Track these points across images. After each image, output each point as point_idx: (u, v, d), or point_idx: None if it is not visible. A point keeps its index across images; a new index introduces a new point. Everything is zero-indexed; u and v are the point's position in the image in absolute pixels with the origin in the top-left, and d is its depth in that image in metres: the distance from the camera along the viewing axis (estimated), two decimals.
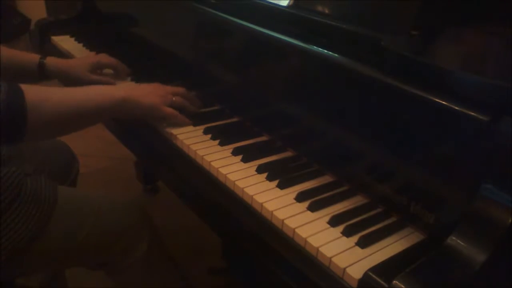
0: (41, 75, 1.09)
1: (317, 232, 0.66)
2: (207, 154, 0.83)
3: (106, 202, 0.94)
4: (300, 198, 0.72)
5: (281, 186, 0.75)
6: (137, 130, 0.96)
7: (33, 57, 1.09)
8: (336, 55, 0.73)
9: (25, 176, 0.81)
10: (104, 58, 1.16)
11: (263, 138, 0.91)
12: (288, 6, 0.87)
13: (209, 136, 0.89)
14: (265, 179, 0.77)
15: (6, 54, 1.03)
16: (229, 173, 0.78)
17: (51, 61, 1.10)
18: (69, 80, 1.12)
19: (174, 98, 0.92)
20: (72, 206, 0.88)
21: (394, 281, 0.52)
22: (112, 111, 0.87)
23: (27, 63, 1.08)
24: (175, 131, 0.90)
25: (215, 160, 0.81)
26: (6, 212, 0.76)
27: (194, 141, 0.87)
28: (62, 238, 0.85)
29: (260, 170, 0.79)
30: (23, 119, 0.72)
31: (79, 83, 1.11)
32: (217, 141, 0.87)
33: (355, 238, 0.65)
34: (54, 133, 0.89)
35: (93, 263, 0.96)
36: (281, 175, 0.77)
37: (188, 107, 0.95)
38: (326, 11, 0.84)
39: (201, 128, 0.92)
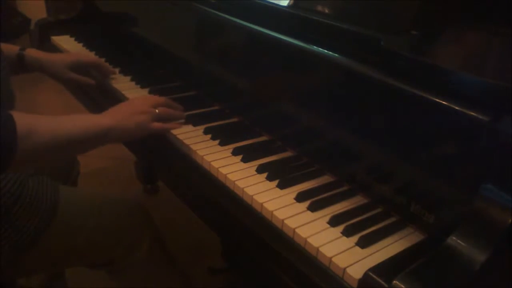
0: (21, 67, 1.07)
1: (317, 232, 0.66)
2: (207, 154, 0.83)
3: (107, 202, 0.94)
4: (300, 198, 0.72)
5: (281, 186, 0.75)
6: None
7: (12, 48, 1.07)
8: (336, 55, 0.73)
9: (27, 176, 0.81)
10: (84, 57, 1.15)
11: (263, 138, 0.91)
12: (288, 6, 0.87)
13: (209, 136, 0.89)
14: (265, 179, 0.77)
15: None
16: (229, 173, 0.78)
17: (31, 53, 1.08)
18: (48, 74, 1.10)
19: (157, 111, 0.89)
20: (73, 206, 0.88)
21: (394, 281, 0.52)
22: (100, 140, 0.83)
23: (7, 55, 1.06)
24: (175, 131, 0.90)
25: (215, 160, 0.81)
26: (8, 213, 0.76)
27: (194, 141, 0.87)
28: (63, 237, 0.85)
29: (260, 170, 0.79)
30: (13, 149, 0.69)
31: (56, 78, 1.10)
32: (217, 141, 0.87)
33: (355, 238, 0.64)
34: (42, 161, 0.87)
35: (95, 263, 0.96)
36: (281, 175, 0.77)
37: (174, 115, 0.93)
38: (326, 11, 0.84)
39: (201, 128, 0.92)
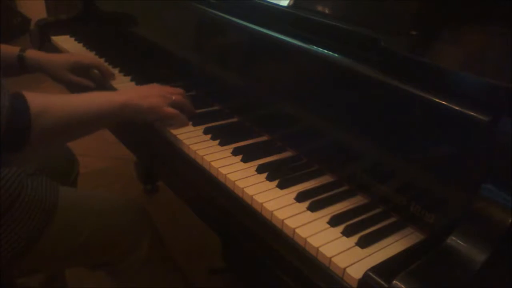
0: (22, 68, 1.08)
1: (317, 232, 0.66)
2: (207, 154, 0.83)
3: (107, 202, 0.94)
4: (300, 198, 0.72)
5: (281, 186, 0.75)
6: (137, 131, 0.96)
7: (13, 50, 1.07)
8: (336, 55, 0.73)
9: (26, 176, 0.81)
10: (85, 58, 1.16)
11: (263, 138, 0.91)
12: (288, 6, 0.87)
13: (209, 136, 0.89)
14: (265, 179, 0.77)
15: None
16: (229, 173, 0.78)
17: (31, 54, 1.08)
18: (48, 75, 1.11)
19: (174, 97, 0.92)
20: (73, 207, 0.88)
21: (394, 281, 0.52)
22: (114, 116, 0.86)
23: (7, 56, 1.06)
24: (175, 131, 0.90)
25: (215, 160, 0.81)
26: (7, 213, 0.76)
27: (194, 141, 0.87)
28: (63, 238, 0.85)
29: (260, 170, 0.79)
30: (27, 129, 0.71)
31: (57, 79, 1.11)
32: (217, 141, 0.87)
33: (355, 238, 0.64)
34: (56, 140, 0.88)
35: (94, 263, 0.96)
36: (281, 175, 0.77)
37: (187, 107, 0.95)
38: (326, 11, 0.84)
39: (201, 128, 0.92)
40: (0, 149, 0.71)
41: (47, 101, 0.75)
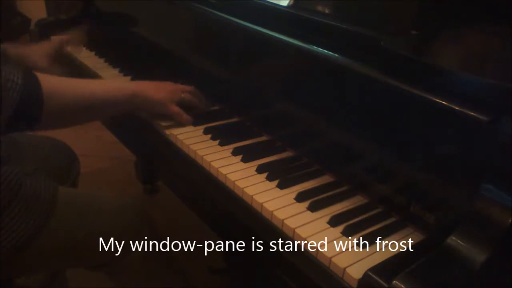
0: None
1: (317, 232, 0.66)
2: (207, 154, 0.83)
3: (106, 202, 0.94)
4: (300, 198, 0.72)
5: (281, 186, 0.75)
6: (138, 130, 0.96)
7: None
8: (336, 55, 0.73)
9: (25, 175, 0.81)
10: (57, 38, 1.15)
11: (263, 138, 0.91)
12: (288, 6, 0.87)
13: (209, 136, 0.89)
14: (265, 179, 0.77)
15: None
16: (229, 173, 0.78)
17: (11, 50, 1.06)
18: (30, 66, 1.10)
19: (183, 95, 0.93)
20: (71, 206, 0.88)
21: (394, 281, 0.52)
22: (123, 104, 0.88)
23: None
24: (175, 131, 0.90)
25: (215, 160, 0.81)
26: (5, 211, 0.76)
27: (194, 141, 0.87)
28: (62, 237, 0.85)
29: (260, 170, 0.79)
30: (39, 106, 0.73)
31: (38, 69, 1.10)
32: (217, 141, 0.87)
33: (355, 238, 0.65)
34: (67, 122, 0.90)
35: (93, 263, 0.96)
36: (281, 175, 0.77)
37: (197, 105, 0.96)
38: (326, 11, 0.84)
39: (201, 128, 0.92)
40: (13, 125, 0.73)
41: (59, 82, 0.78)
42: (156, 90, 0.90)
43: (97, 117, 0.89)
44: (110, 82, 0.89)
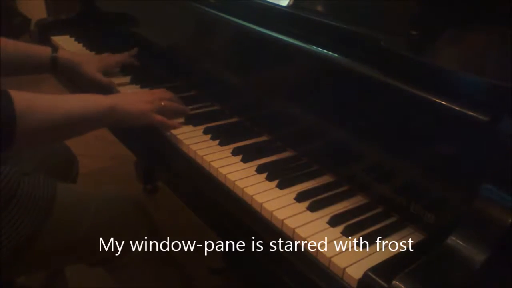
0: (53, 69, 1.09)
1: (317, 232, 0.66)
2: (207, 154, 0.83)
3: (104, 199, 0.94)
4: (300, 198, 0.72)
5: (281, 186, 0.75)
6: (137, 131, 0.96)
7: (43, 50, 1.08)
8: (336, 55, 0.73)
9: (23, 175, 0.81)
10: (112, 60, 1.17)
11: (263, 138, 0.91)
12: (288, 6, 0.87)
13: (209, 136, 0.89)
14: (265, 179, 0.77)
15: (13, 46, 1.02)
16: (229, 173, 0.78)
17: (63, 54, 1.09)
18: (79, 76, 1.11)
19: (163, 103, 0.91)
20: (71, 202, 0.88)
21: (394, 281, 0.52)
22: (101, 119, 0.85)
23: (38, 56, 1.07)
24: (175, 131, 0.90)
25: (215, 160, 0.81)
26: (4, 211, 0.76)
27: (194, 141, 0.87)
28: (62, 234, 0.85)
29: (260, 170, 0.79)
30: (12, 125, 0.69)
31: (87, 79, 1.11)
32: (217, 141, 0.87)
33: (355, 238, 0.64)
34: (41, 141, 0.87)
35: (93, 260, 0.96)
36: (281, 175, 0.77)
37: (178, 110, 0.95)
38: (326, 11, 0.84)
39: (201, 128, 0.92)
40: None
41: (33, 100, 0.73)
42: (134, 102, 0.88)
43: (76, 133, 0.85)
44: (87, 97, 0.85)
